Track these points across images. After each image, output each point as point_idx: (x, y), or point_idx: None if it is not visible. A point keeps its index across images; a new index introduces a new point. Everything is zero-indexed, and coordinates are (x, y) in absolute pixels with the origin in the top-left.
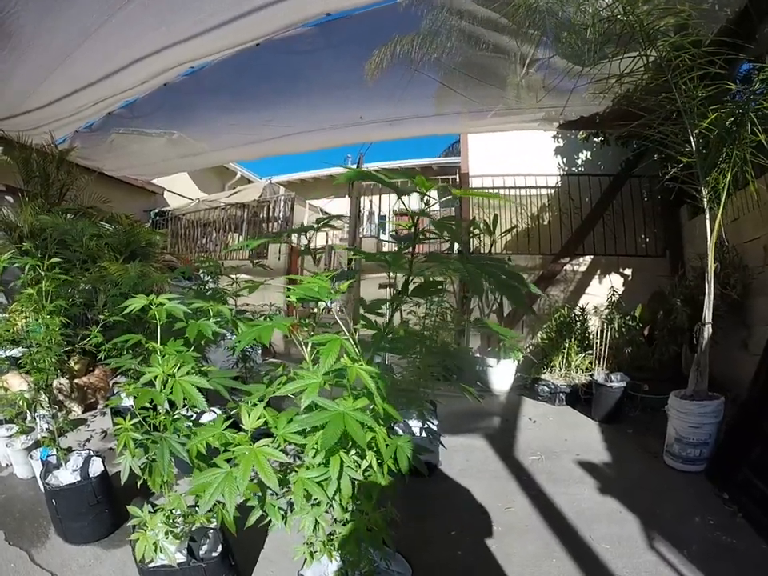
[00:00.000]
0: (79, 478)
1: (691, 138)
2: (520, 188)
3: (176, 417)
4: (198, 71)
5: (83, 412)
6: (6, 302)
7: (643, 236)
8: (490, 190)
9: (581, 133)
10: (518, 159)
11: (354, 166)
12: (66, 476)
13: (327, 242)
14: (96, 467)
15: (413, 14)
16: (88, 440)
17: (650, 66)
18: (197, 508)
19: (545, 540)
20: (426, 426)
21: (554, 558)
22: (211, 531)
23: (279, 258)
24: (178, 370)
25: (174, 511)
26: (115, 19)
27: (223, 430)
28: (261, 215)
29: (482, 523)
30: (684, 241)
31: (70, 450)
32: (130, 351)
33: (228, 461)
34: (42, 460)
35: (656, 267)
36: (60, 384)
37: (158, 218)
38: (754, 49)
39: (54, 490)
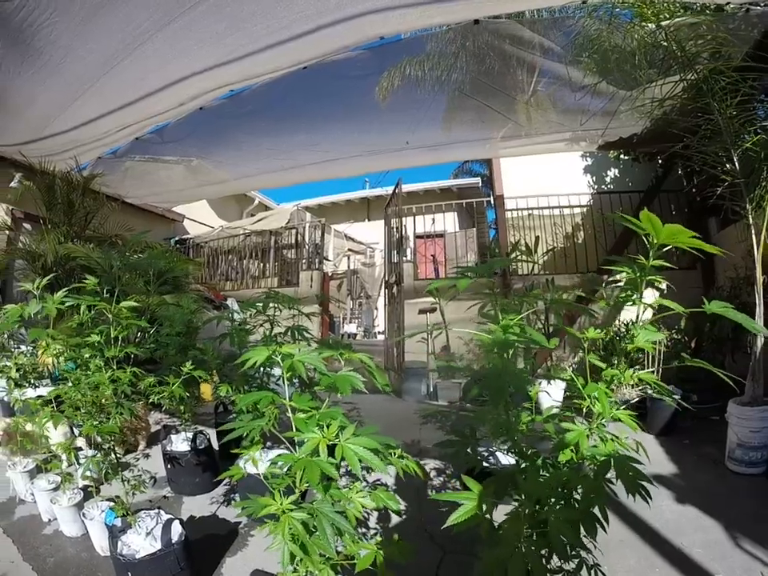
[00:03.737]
0: (159, 546)
1: (734, 157)
2: (554, 208)
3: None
4: (238, 94)
5: (124, 454)
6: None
7: (674, 249)
8: (525, 211)
9: (611, 152)
10: (548, 179)
11: (383, 190)
12: (138, 542)
13: (349, 266)
14: (175, 530)
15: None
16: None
17: (689, 89)
18: None
19: (642, 552)
20: None
21: (656, 567)
22: None
23: (312, 286)
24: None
25: None
26: (161, 35)
27: None
28: (281, 242)
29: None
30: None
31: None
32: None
33: None
34: (107, 525)
35: (687, 279)
36: None
37: (177, 245)
38: None
39: (130, 562)
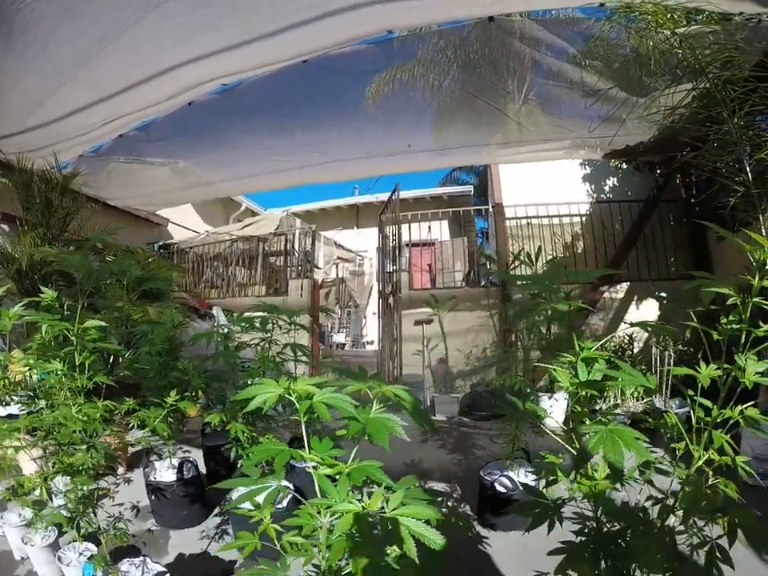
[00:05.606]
0: None
1: (747, 167)
2: (552, 217)
3: None
4: (231, 89)
5: (98, 477)
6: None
7: (673, 259)
8: (523, 220)
9: (613, 160)
10: (545, 188)
11: (374, 197)
12: None
13: (338, 274)
14: None
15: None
16: (118, 519)
17: (699, 98)
18: None
19: None
20: None
21: None
22: None
23: (302, 295)
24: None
25: None
26: (151, 17)
27: None
28: (270, 248)
29: None
30: (713, 262)
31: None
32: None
33: None
34: None
35: (688, 290)
36: None
37: (162, 251)
38: None
39: None
